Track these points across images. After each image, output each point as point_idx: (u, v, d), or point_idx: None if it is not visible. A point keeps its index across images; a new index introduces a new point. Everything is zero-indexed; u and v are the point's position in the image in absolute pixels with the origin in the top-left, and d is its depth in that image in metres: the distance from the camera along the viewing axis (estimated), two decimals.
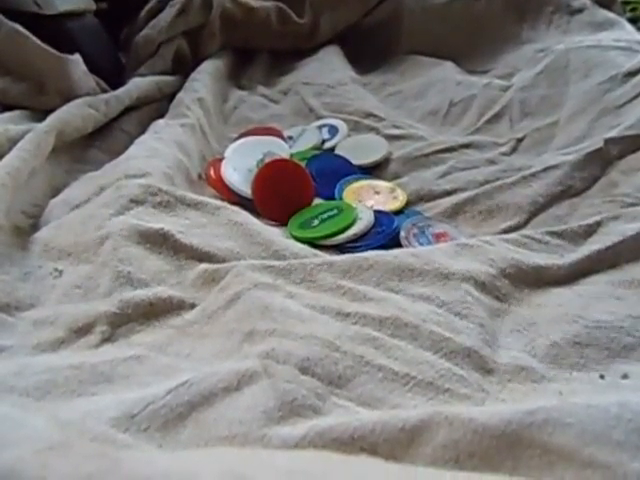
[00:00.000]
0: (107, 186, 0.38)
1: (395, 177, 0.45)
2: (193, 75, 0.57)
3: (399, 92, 0.58)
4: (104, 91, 0.51)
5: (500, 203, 0.40)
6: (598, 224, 0.35)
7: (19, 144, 0.39)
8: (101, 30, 0.56)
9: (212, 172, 0.43)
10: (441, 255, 0.32)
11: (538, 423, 0.20)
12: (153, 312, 0.30)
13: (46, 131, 0.41)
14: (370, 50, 0.66)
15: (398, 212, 0.41)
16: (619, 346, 0.28)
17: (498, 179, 0.42)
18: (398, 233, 0.38)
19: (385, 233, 0.38)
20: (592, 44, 0.53)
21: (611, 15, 0.61)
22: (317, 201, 0.42)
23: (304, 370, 0.25)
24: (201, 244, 0.34)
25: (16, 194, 0.37)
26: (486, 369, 0.27)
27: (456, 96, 0.54)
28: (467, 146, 0.47)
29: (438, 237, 0.38)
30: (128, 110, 0.51)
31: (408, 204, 0.42)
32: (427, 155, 0.46)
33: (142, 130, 0.48)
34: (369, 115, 0.52)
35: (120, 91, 0.51)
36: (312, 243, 0.37)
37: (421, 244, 0.37)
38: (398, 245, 0.37)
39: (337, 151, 0.48)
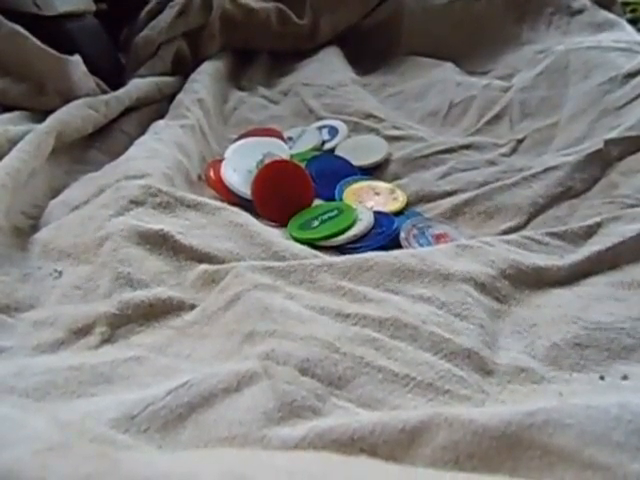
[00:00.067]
0: (107, 187, 0.38)
1: (395, 178, 0.45)
2: (193, 76, 0.57)
3: (399, 93, 0.58)
4: (104, 92, 0.51)
5: (500, 204, 0.40)
6: (598, 225, 0.35)
7: (19, 145, 0.39)
8: (101, 31, 0.56)
9: (212, 173, 0.43)
10: (441, 256, 0.32)
11: (538, 424, 0.20)
12: (153, 313, 0.30)
13: (46, 132, 0.41)
14: (370, 51, 0.66)
15: (398, 213, 0.41)
16: (619, 347, 0.28)
17: (498, 180, 0.42)
18: (398, 234, 0.38)
19: (385, 234, 0.38)
20: (592, 45, 0.53)
21: (611, 16, 0.61)
22: (317, 202, 0.42)
23: (304, 371, 0.25)
24: (201, 245, 0.34)
25: (16, 195, 0.37)
26: (486, 370, 0.27)
27: (456, 97, 0.54)
28: (467, 147, 0.47)
29: (438, 238, 0.38)
30: (128, 111, 0.51)
31: (408, 205, 0.42)
32: (427, 156, 0.46)
33: (142, 131, 0.48)
34: (369, 116, 0.52)
35: (120, 92, 0.51)
36: (312, 244, 0.37)
37: (421, 245, 0.37)
38: (398, 246, 0.37)
39: (337, 152, 0.48)
